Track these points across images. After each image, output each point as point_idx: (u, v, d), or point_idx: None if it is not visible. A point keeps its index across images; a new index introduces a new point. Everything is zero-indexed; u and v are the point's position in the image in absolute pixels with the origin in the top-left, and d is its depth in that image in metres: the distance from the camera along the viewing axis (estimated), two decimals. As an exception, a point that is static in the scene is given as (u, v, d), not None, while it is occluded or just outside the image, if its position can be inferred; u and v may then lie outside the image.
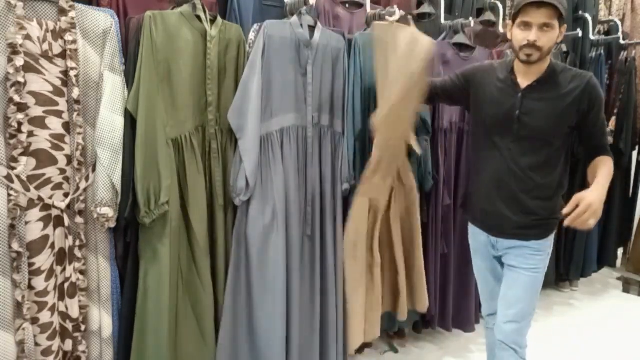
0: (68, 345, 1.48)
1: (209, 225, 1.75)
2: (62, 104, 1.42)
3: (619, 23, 3.37)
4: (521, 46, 1.52)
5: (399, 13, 2.02)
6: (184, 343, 1.68)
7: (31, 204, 1.37)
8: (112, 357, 1.57)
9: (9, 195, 1.32)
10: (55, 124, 1.41)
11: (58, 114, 1.41)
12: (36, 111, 1.37)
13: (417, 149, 1.89)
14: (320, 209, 1.95)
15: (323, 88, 1.92)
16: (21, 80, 1.31)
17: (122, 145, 1.51)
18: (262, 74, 1.73)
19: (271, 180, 1.78)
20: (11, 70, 1.30)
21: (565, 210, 1.42)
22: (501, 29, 2.75)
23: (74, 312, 1.47)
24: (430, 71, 2.25)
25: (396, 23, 1.88)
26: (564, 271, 3.24)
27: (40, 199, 1.38)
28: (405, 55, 1.65)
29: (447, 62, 2.28)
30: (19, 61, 1.31)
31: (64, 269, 1.46)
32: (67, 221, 1.44)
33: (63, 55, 1.40)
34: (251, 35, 1.78)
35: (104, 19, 1.48)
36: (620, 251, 3.70)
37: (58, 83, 1.41)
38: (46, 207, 1.40)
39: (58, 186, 1.43)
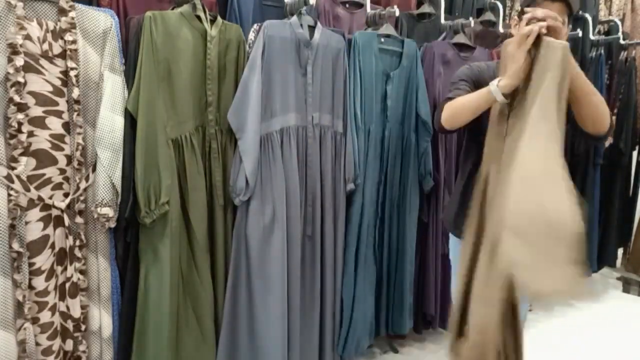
0: (69, 345, 1.48)
1: (209, 225, 1.75)
2: (62, 104, 1.42)
3: (619, 23, 3.37)
4: None
5: (398, 13, 2.03)
6: (184, 343, 1.68)
7: (31, 204, 1.37)
8: (112, 357, 1.57)
9: (9, 195, 1.32)
10: (55, 124, 1.41)
11: (58, 114, 1.41)
12: (36, 111, 1.37)
13: None
14: (321, 209, 1.95)
15: (323, 88, 1.92)
16: (21, 80, 1.31)
17: (122, 145, 1.51)
18: (262, 74, 1.73)
19: (271, 180, 1.78)
20: (11, 70, 1.30)
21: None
22: (501, 29, 2.75)
23: (76, 312, 1.47)
24: (431, 72, 2.25)
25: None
26: (564, 271, 3.24)
27: (40, 199, 1.38)
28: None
29: (447, 62, 2.28)
30: (19, 61, 1.31)
31: (65, 269, 1.46)
32: (67, 221, 1.44)
33: (63, 55, 1.40)
34: (251, 35, 1.78)
35: (104, 19, 1.48)
36: (620, 251, 3.70)
37: (58, 83, 1.41)
38: (46, 207, 1.40)
39: (58, 186, 1.43)
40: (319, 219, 1.94)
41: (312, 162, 1.90)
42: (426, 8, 2.60)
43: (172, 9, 1.67)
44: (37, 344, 1.41)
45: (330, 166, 1.96)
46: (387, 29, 2.09)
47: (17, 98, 1.31)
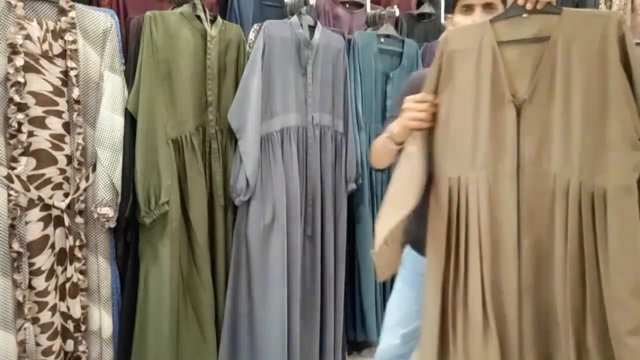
0: (69, 345, 1.48)
1: (209, 225, 1.75)
2: (62, 104, 1.42)
3: (619, 23, 3.37)
4: None
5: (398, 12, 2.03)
6: (185, 343, 1.68)
7: (31, 204, 1.37)
8: (112, 357, 1.57)
9: (9, 195, 1.32)
10: (55, 124, 1.41)
11: (58, 114, 1.41)
12: (36, 111, 1.37)
13: None
14: (321, 209, 1.95)
15: (323, 88, 1.92)
16: (21, 80, 1.31)
17: (122, 145, 1.51)
18: (262, 74, 1.73)
19: (271, 180, 1.78)
20: (11, 70, 1.30)
21: None
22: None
23: (76, 312, 1.46)
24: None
25: None
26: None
27: (40, 199, 1.38)
28: None
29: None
30: (19, 61, 1.30)
31: (65, 269, 1.46)
32: (67, 221, 1.44)
33: (63, 55, 1.40)
34: (251, 35, 1.78)
35: (104, 19, 1.48)
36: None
37: (58, 83, 1.40)
38: (46, 207, 1.40)
39: (58, 186, 1.43)
40: (319, 219, 1.94)
41: (313, 162, 1.90)
42: (426, 8, 2.60)
43: (172, 9, 1.67)
44: (37, 344, 1.40)
45: (331, 166, 1.96)
46: (387, 29, 2.09)
47: (17, 98, 1.31)
